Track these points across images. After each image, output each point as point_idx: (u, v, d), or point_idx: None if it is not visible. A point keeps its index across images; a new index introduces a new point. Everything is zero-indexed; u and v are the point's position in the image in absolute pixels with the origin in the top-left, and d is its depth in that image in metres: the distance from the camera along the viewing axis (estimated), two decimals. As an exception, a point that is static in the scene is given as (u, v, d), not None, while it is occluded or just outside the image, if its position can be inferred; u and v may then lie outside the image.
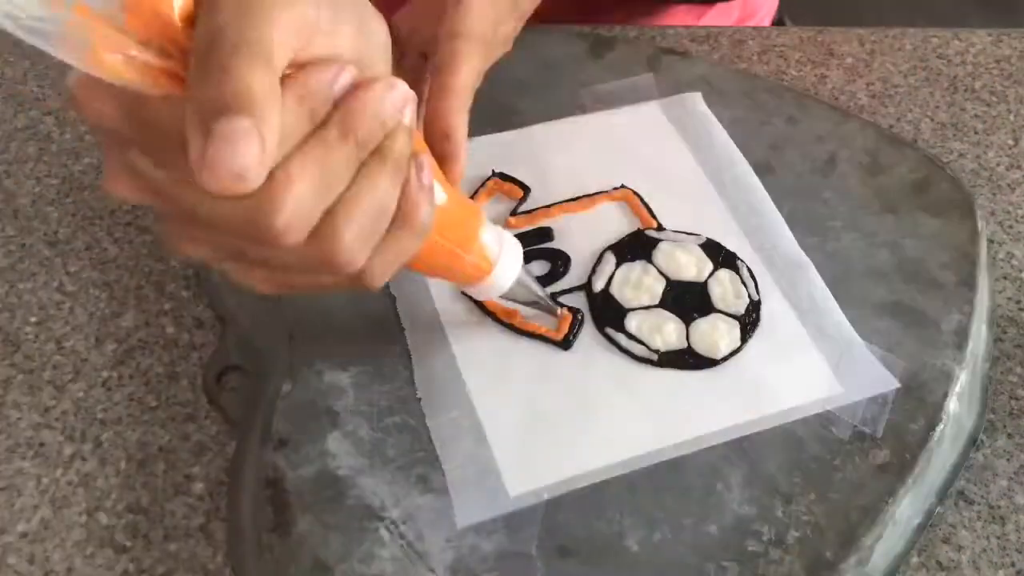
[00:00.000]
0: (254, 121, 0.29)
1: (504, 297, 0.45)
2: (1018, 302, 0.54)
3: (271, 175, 0.30)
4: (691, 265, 0.51)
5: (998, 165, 0.61)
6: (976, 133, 0.62)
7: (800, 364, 0.48)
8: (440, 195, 0.39)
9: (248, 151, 0.29)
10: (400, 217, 0.36)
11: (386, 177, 0.34)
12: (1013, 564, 0.45)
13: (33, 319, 0.53)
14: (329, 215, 0.33)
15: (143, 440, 0.48)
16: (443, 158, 0.42)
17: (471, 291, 0.45)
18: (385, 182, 0.34)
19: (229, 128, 0.28)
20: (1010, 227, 0.57)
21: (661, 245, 0.52)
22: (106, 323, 0.53)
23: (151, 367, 0.51)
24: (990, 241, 0.56)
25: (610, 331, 0.48)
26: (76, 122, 0.63)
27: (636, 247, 0.52)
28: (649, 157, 0.56)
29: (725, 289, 0.50)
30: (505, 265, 0.44)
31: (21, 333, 0.52)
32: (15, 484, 0.47)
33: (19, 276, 0.55)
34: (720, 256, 0.51)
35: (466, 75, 0.44)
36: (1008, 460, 0.48)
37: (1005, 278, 0.55)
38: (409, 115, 0.34)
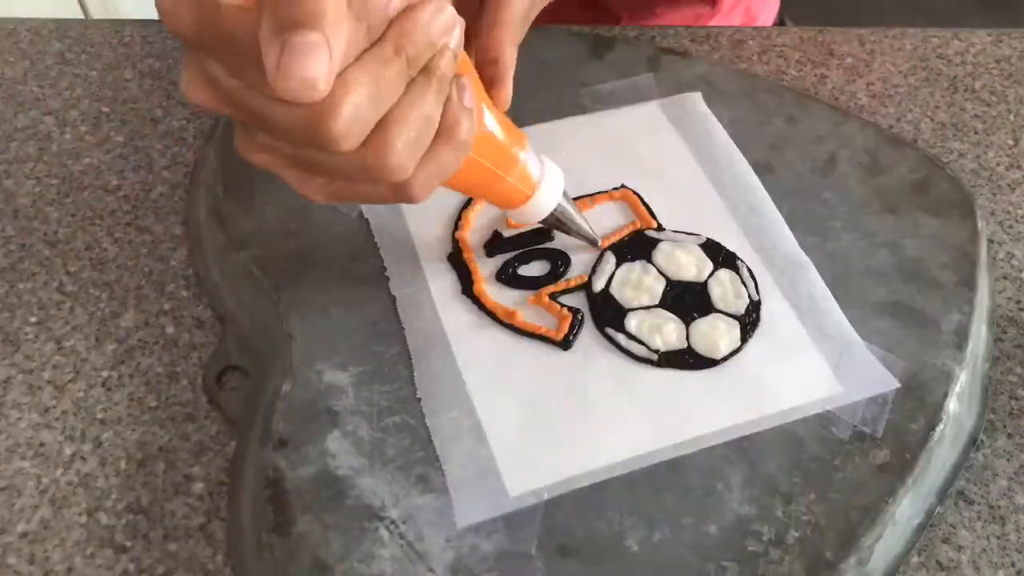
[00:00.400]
0: (324, 36, 0.32)
1: (544, 223, 0.49)
2: (1018, 302, 0.54)
3: None
4: (691, 265, 0.51)
5: (998, 165, 0.61)
6: (976, 133, 0.62)
7: (800, 364, 0.48)
8: (486, 119, 0.43)
9: (318, 62, 0.32)
10: (443, 132, 0.39)
11: (432, 93, 0.38)
12: (1013, 564, 0.45)
13: (33, 319, 0.53)
14: (381, 125, 0.36)
15: (143, 440, 0.48)
16: (491, 83, 0.45)
17: (513, 215, 0.48)
18: (431, 97, 0.38)
19: (303, 41, 0.32)
20: (1010, 227, 0.57)
21: (661, 245, 0.52)
22: (106, 323, 0.53)
23: (151, 367, 0.51)
24: (990, 241, 0.56)
25: (610, 331, 0.48)
26: (76, 122, 0.63)
27: (636, 247, 0.52)
28: (649, 157, 0.56)
29: (725, 289, 0.50)
30: (545, 191, 0.47)
31: (21, 333, 0.52)
32: (15, 484, 0.47)
33: (19, 276, 0.55)
34: (720, 256, 0.51)
35: (516, 10, 0.47)
36: (1008, 460, 0.48)
37: (1005, 278, 0.55)
38: (456, 38, 0.38)
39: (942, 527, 0.46)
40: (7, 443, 0.48)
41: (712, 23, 0.81)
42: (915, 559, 0.45)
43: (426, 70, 0.37)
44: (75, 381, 0.50)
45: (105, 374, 0.51)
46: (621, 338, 0.48)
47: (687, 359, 0.48)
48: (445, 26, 0.37)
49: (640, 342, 0.48)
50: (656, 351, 0.48)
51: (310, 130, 0.34)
